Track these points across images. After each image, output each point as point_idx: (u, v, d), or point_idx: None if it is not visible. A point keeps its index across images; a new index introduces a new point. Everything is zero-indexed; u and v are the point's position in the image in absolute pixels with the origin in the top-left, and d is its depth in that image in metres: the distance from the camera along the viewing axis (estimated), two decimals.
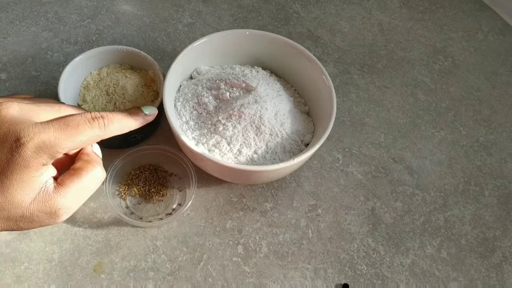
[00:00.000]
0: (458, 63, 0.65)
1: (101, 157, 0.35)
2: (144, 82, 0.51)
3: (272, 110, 0.46)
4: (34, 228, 0.31)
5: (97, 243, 0.46)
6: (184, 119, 0.47)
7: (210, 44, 0.50)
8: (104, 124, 0.33)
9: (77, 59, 0.50)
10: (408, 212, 0.51)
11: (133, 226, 0.47)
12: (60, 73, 0.48)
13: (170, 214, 0.48)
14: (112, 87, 0.50)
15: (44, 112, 0.32)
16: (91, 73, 0.52)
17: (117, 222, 0.47)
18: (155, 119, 0.50)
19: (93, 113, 0.33)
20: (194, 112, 0.47)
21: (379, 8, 0.70)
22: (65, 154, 0.33)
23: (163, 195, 0.49)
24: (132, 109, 0.37)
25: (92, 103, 0.50)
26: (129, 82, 0.50)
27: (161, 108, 0.47)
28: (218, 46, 0.51)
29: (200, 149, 0.43)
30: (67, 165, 0.34)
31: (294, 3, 0.69)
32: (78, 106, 0.35)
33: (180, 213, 0.47)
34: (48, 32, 0.61)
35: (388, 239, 0.49)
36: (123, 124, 0.35)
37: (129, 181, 0.49)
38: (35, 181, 0.30)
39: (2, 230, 0.31)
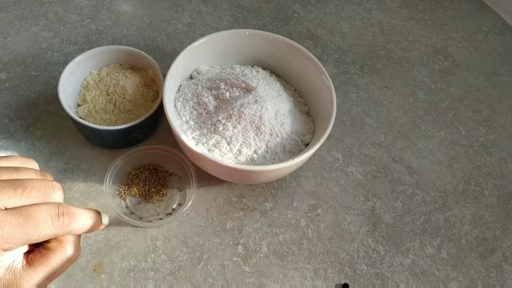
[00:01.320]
0: (458, 63, 0.65)
1: (84, 230, 0.32)
2: (144, 82, 0.51)
3: (272, 110, 0.46)
4: None
5: (97, 243, 0.46)
6: (184, 119, 0.47)
7: (210, 44, 0.50)
8: (66, 224, 0.30)
9: (77, 59, 0.50)
10: (408, 212, 0.51)
11: (133, 226, 0.47)
12: (60, 73, 0.48)
13: (170, 214, 0.48)
14: (112, 87, 0.50)
15: (5, 196, 0.29)
16: (91, 73, 0.52)
17: (117, 222, 0.47)
18: (155, 119, 0.50)
19: (60, 209, 0.30)
20: (194, 112, 0.47)
21: (379, 8, 0.70)
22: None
23: (163, 195, 0.49)
24: (95, 212, 0.33)
25: (92, 103, 0.50)
26: (129, 82, 0.50)
27: (161, 108, 0.47)
28: (218, 46, 0.51)
29: (200, 149, 0.43)
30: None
31: (294, 3, 0.69)
32: (41, 172, 0.33)
33: (180, 213, 0.47)
34: (48, 32, 0.61)
35: (388, 239, 0.49)
36: (83, 226, 0.32)
37: (129, 181, 0.49)
38: None
39: None
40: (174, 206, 0.49)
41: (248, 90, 0.47)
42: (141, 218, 0.47)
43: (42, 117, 0.53)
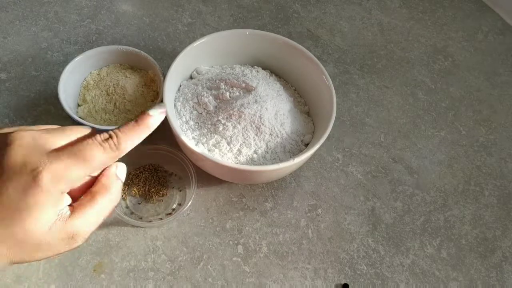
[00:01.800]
0: (458, 63, 0.65)
1: (123, 179, 0.35)
2: (144, 82, 0.51)
3: (272, 110, 0.46)
4: (48, 257, 0.31)
5: (97, 243, 0.46)
6: (184, 119, 0.47)
7: (210, 44, 0.50)
8: (115, 144, 0.32)
9: (77, 59, 0.50)
10: (408, 212, 0.51)
11: (133, 226, 0.47)
12: (60, 73, 0.48)
13: (170, 214, 0.48)
14: (112, 87, 0.50)
15: (56, 138, 0.31)
16: (91, 73, 0.52)
17: (117, 222, 0.47)
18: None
19: (102, 135, 0.32)
20: (194, 112, 0.47)
21: (379, 8, 0.70)
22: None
23: (163, 195, 0.49)
24: (139, 116, 0.35)
25: (92, 103, 0.50)
26: (129, 82, 0.50)
27: None
28: (218, 46, 0.51)
29: (200, 149, 0.43)
30: (87, 188, 0.34)
31: (294, 3, 0.69)
32: (89, 127, 0.34)
33: (180, 213, 0.47)
34: (48, 32, 0.61)
35: (388, 239, 0.49)
36: (134, 136, 0.34)
37: (129, 181, 0.49)
38: (52, 210, 0.29)
39: (14, 263, 0.30)
40: (174, 206, 0.49)
41: (248, 90, 0.47)
42: (141, 218, 0.47)
43: (42, 117, 0.53)
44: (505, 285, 0.48)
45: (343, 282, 0.46)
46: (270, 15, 0.67)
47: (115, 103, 0.49)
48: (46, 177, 0.29)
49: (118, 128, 0.33)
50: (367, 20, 0.68)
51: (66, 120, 0.52)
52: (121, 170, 0.35)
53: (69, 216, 0.30)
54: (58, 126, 0.34)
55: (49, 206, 0.29)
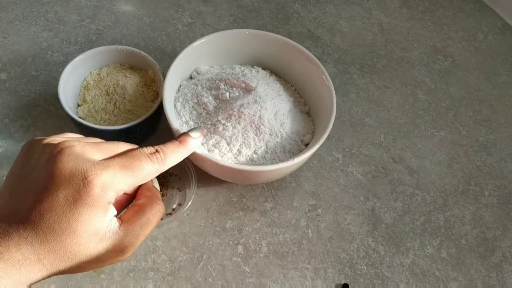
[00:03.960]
0: (458, 63, 0.65)
1: (159, 190, 0.36)
2: (144, 82, 0.51)
3: (271, 110, 0.46)
4: (97, 268, 0.31)
5: None
6: (184, 119, 0.47)
7: (210, 44, 0.50)
8: (162, 158, 0.33)
9: (77, 59, 0.50)
10: (408, 212, 0.51)
11: None
12: (60, 73, 0.48)
13: (170, 214, 0.48)
14: (112, 87, 0.50)
15: (104, 150, 0.32)
16: (91, 73, 0.52)
17: None
18: (155, 119, 0.50)
19: (149, 148, 0.33)
20: (194, 112, 0.47)
21: (379, 8, 0.70)
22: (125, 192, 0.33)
23: (163, 195, 0.49)
24: (181, 137, 0.37)
25: (92, 103, 0.50)
26: (129, 82, 0.50)
27: (161, 108, 0.47)
28: (218, 46, 0.51)
29: (200, 149, 0.43)
30: (126, 203, 0.35)
31: (294, 3, 0.69)
32: (131, 144, 0.35)
33: (180, 213, 0.47)
34: (48, 32, 0.61)
35: (388, 239, 0.49)
36: (177, 154, 0.35)
37: None
38: (102, 220, 0.29)
39: (61, 273, 0.29)
40: (174, 206, 0.49)
41: (247, 90, 0.47)
42: None
43: (42, 117, 0.53)
44: (505, 285, 0.48)
45: (343, 282, 0.46)
46: (270, 15, 0.67)
47: (115, 103, 0.49)
48: (97, 186, 0.28)
49: (163, 145, 0.34)
50: (367, 20, 0.68)
51: (66, 120, 0.52)
52: (156, 183, 0.37)
53: (119, 228, 0.30)
54: (103, 140, 0.35)
55: (99, 216, 0.29)
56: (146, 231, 0.32)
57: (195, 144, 0.38)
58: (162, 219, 0.47)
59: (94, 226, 0.29)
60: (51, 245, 0.27)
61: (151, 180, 0.35)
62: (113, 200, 0.30)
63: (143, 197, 0.34)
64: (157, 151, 0.33)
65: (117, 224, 0.30)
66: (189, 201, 0.47)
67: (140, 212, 0.32)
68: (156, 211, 0.33)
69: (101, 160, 0.30)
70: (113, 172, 0.30)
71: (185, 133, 0.37)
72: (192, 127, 0.46)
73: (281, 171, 0.44)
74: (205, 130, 0.40)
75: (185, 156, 0.36)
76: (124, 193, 0.33)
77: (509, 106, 0.61)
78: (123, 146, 0.34)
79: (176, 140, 0.36)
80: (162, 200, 0.48)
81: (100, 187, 0.29)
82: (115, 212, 0.31)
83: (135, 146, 0.34)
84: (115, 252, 0.30)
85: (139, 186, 0.35)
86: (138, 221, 0.31)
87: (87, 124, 0.46)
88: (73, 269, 0.29)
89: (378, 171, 0.54)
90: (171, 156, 0.34)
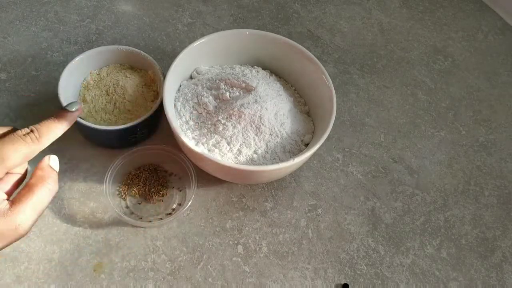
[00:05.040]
0: (458, 63, 0.65)
1: (57, 169, 0.37)
2: (144, 82, 0.51)
3: (272, 110, 0.46)
4: (2, 246, 0.32)
5: (97, 243, 0.46)
6: (184, 119, 0.47)
7: (210, 44, 0.50)
8: (36, 137, 0.34)
9: (77, 59, 0.50)
10: (408, 212, 0.51)
11: (133, 226, 0.47)
12: (60, 73, 0.48)
13: (170, 214, 0.48)
14: (112, 87, 0.50)
15: None
16: (91, 73, 0.52)
17: (117, 222, 0.47)
18: (155, 119, 0.50)
19: (23, 129, 0.34)
20: (194, 112, 0.47)
21: (379, 8, 0.70)
22: (10, 172, 0.35)
23: (163, 195, 0.49)
24: (58, 112, 0.37)
25: (92, 103, 0.50)
26: (129, 82, 0.50)
27: (161, 108, 0.47)
28: (218, 46, 0.51)
29: (200, 149, 0.43)
30: (20, 182, 0.36)
31: (294, 3, 0.69)
32: (7, 126, 0.36)
33: (180, 213, 0.47)
34: (48, 32, 0.61)
35: (388, 239, 0.49)
36: (53, 130, 0.36)
37: (129, 181, 0.49)
38: None
39: None
40: (174, 206, 0.49)
41: (248, 90, 0.47)
42: (141, 218, 0.47)
43: (42, 117, 0.53)
44: (505, 285, 0.48)
45: (343, 282, 0.46)
46: (270, 15, 0.67)
47: (115, 103, 0.49)
48: None
49: (38, 123, 0.35)
50: (367, 20, 0.68)
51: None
52: (54, 161, 0.37)
53: (9, 209, 0.32)
54: None
55: None
56: (38, 210, 0.34)
57: (72, 118, 0.38)
58: (161, 219, 0.47)
59: None
60: None
61: (48, 157, 0.36)
62: None
63: (34, 177, 0.35)
64: (31, 131, 0.34)
65: (7, 205, 0.32)
66: (189, 201, 0.47)
67: (30, 192, 0.33)
68: (47, 190, 0.34)
69: None
70: None
71: (62, 108, 0.38)
72: (192, 126, 0.46)
73: (281, 171, 0.44)
74: (82, 105, 0.40)
75: (63, 131, 0.37)
76: (10, 173, 0.35)
77: (509, 106, 0.61)
78: None
79: (52, 116, 0.37)
80: (161, 200, 0.49)
81: None
82: (3, 197, 0.33)
83: (9, 128, 0.35)
84: (9, 231, 0.32)
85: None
86: (28, 201, 0.33)
87: (87, 124, 0.46)
88: None
89: (378, 171, 0.54)
90: (48, 134, 0.35)
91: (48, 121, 0.36)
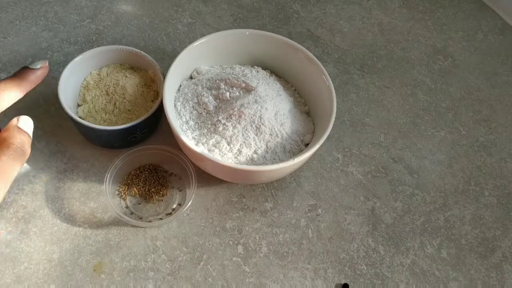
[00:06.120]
0: (458, 63, 0.65)
1: (29, 131, 0.33)
2: (144, 82, 0.51)
3: (272, 110, 0.46)
4: None
5: (97, 243, 0.46)
6: (184, 119, 0.47)
7: (210, 44, 0.50)
8: None
9: (77, 59, 0.50)
10: (408, 212, 0.51)
11: (133, 226, 0.47)
12: (60, 73, 0.48)
13: (170, 214, 0.48)
14: (112, 87, 0.50)
15: None
16: (91, 73, 0.52)
17: (117, 222, 0.47)
18: (155, 119, 0.50)
19: None
20: (194, 112, 0.47)
21: (379, 8, 0.70)
22: None
23: (163, 195, 0.49)
24: (19, 71, 0.34)
25: (92, 103, 0.50)
26: (129, 82, 0.50)
27: (161, 108, 0.47)
28: (218, 46, 0.51)
29: (200, 149, 0.43)
30: None
31: (294, 3, 0.69)
32: None
33: (180, 213, 0.47)
34: (48, 32, 0.61)
35: (388, 239, 0.49)
36: (15, 90, 0.33)
37: (129, 181, 0.49)
38: None
39: None
40: (174, 206, 0.49)
41: (248, 90, 0.47)
42: (141, 218, 0.47)
43: (42, 117, 0.53)
44: (505, 285, 0.48)
45: (343, 282, 0.46)
46: (270, 15, 0.67)
47: (115, 103, 0.49)
48: None
49: None
50: (367, 20, 0.68)
51: (66, 120, 0.53)
52: (24, 122, 0.33)
53: None
54: None
55: None
56: (3, 177, 0.29)
57: (35, 77, 0.34)
58: (161, 219, 0.47)
59: None
60: None
61: (16, 118, 0.33)
62: None
63: None
64: None
65: None
66: (189, 201, 0.47)
67: None
68: (12, 154, 0.30)
69: None
70: None
71: (24, 67, 0.34)
72: (192, 126, 0.46)
73: (281, 171, 0.44)
74: (48, 62, 0.36)
75: (26, 91, 0.33)
76: None
77: (509, 106, 0.61)
78: None
79: (14, 75, 0.33)
80: (161, 200, 0.49)
81: None
82: None
83: None
84: None
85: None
86: None
87: (87, 124, 0.46)
88: None
89: (378, 171, 0.54)
90: (6, 93, 0.32)
91: (7, 80, 0.32)
